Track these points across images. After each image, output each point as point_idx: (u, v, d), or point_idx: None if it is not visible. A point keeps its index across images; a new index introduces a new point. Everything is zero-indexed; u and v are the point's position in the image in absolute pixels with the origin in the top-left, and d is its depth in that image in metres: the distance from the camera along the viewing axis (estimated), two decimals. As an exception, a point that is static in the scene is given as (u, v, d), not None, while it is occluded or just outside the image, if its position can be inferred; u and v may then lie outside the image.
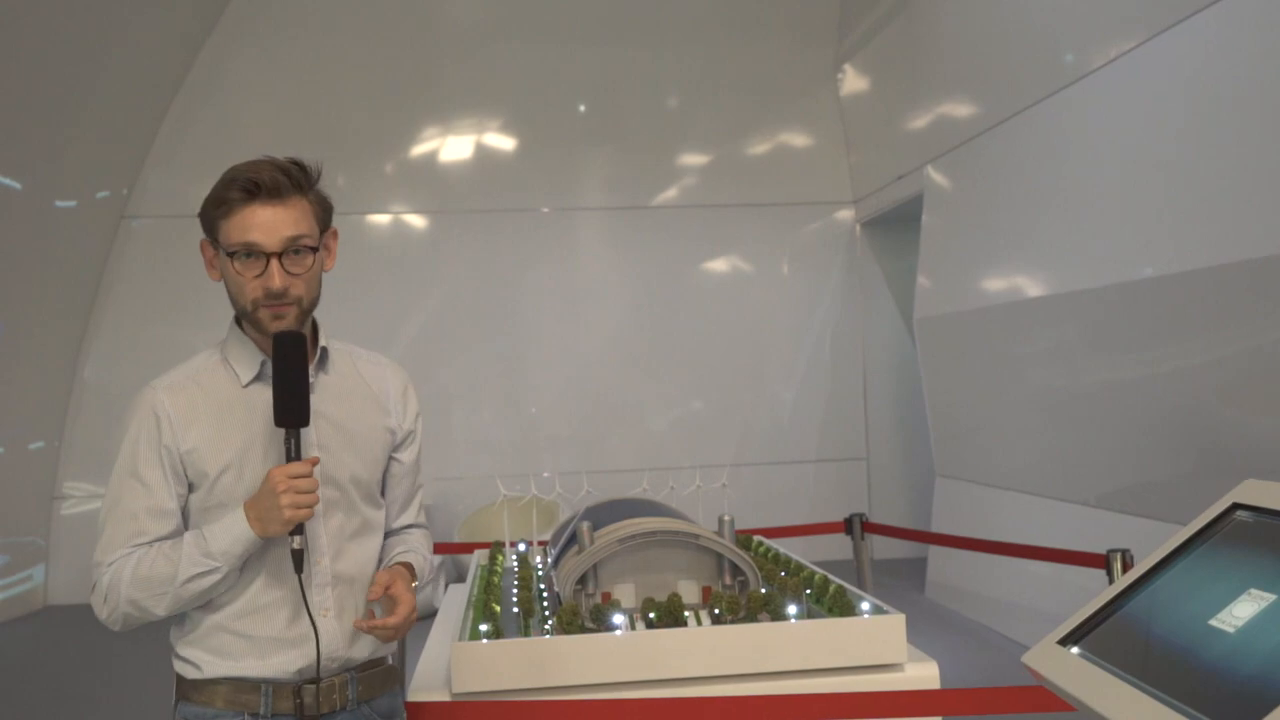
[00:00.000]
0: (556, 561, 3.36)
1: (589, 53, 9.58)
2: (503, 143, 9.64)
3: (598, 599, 3.01)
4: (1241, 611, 1.42)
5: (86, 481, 8.98)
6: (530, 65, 9.53)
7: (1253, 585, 1.45)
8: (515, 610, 3.12)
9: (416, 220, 9.43)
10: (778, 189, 9.71)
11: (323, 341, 2.17)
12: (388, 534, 2.28)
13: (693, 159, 9.80)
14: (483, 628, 2.85)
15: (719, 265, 9.78)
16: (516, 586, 3.38)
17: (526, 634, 2.93)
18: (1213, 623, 1.44)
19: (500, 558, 4.06)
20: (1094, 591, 1.73)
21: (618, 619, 2.87)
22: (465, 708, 2.62)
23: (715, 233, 9.65)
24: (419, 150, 9.45)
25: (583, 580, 3.01)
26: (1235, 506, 1.66)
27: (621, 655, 2.77)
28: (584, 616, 2.93)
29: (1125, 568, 3.64)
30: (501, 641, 2.78)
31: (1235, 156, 4.67)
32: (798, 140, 9.87)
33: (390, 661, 2.26)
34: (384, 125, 9.36)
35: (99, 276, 9.06)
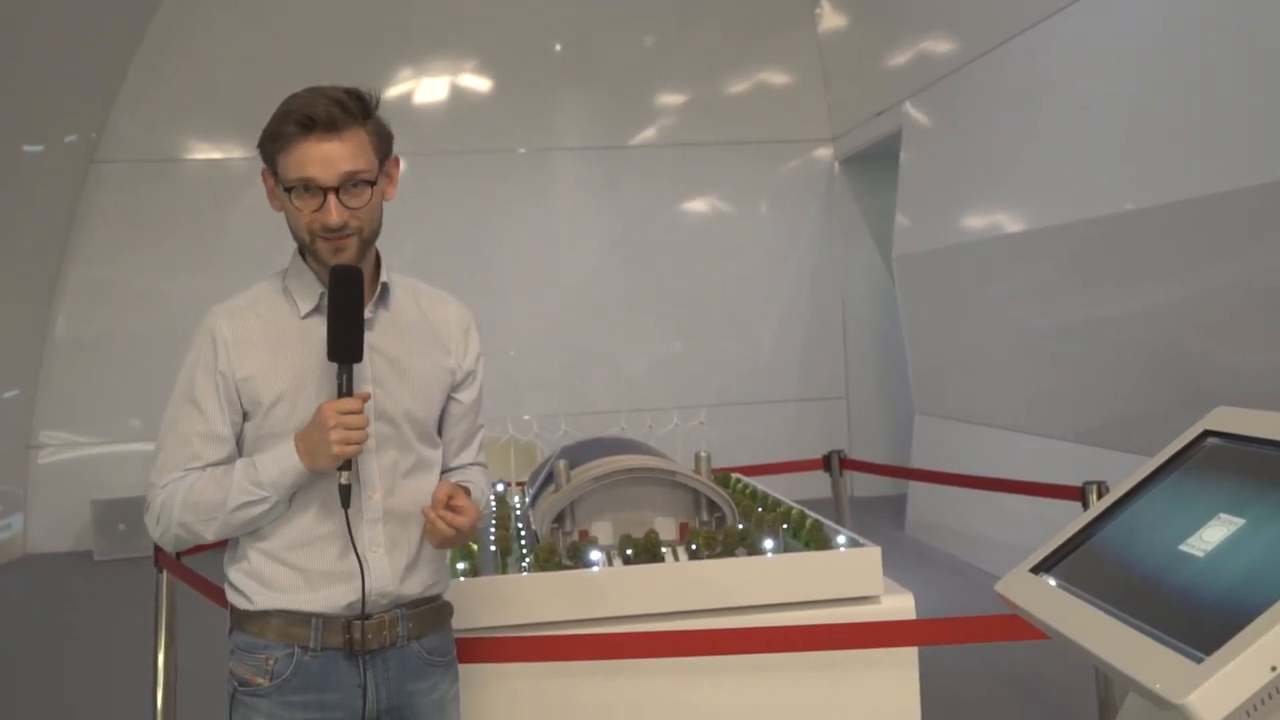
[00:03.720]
0: (534, 500, 3.37)
1: (564, -10, 9.47)
2: (477, 83, 9.53)
3: (575, 536, 3.03)
4: (1211, 536, 1.43)
5: (63, 430, 8.93)
6: (505, 3, 9.40)
7: (1222, 510, 1.46)
8: (493, 549, 3.12)
9: (391, 162, 9.33)
10: (756, 127, 9.65)
11: (384, 276, 2.14)
12: (445, 471, 2.26)
13: (670, 98, 9.72)
14: (460, 566, 2.86)
15: (697, 205, 9.73)
16: (494, 526, 3.39)
17: (504, 572, 2.94)
18: (1183, 548, 1.45)
19: (478, 498, 4.04)
20: (1070, 524, 1.74)
21: (595, 556, 2.89)
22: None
23: (693, 172, 9.60)
24: (392, 92, 9.33)
25: (560, 518, 3.02)
26: (1206, 434, 1.67)
27: (599, 591, 2.79)
28: (561, 554, 2.94)
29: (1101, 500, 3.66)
30: (478, 579, 2.79)
31: (1213, 89, 4.65)
32: (776, 78, 9.79)
33: (444, 598, 2.25)
34: (356, 66, 9.21)
35: (70, 222, 8.95)
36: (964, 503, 6.84)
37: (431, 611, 2.19)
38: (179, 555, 3.71)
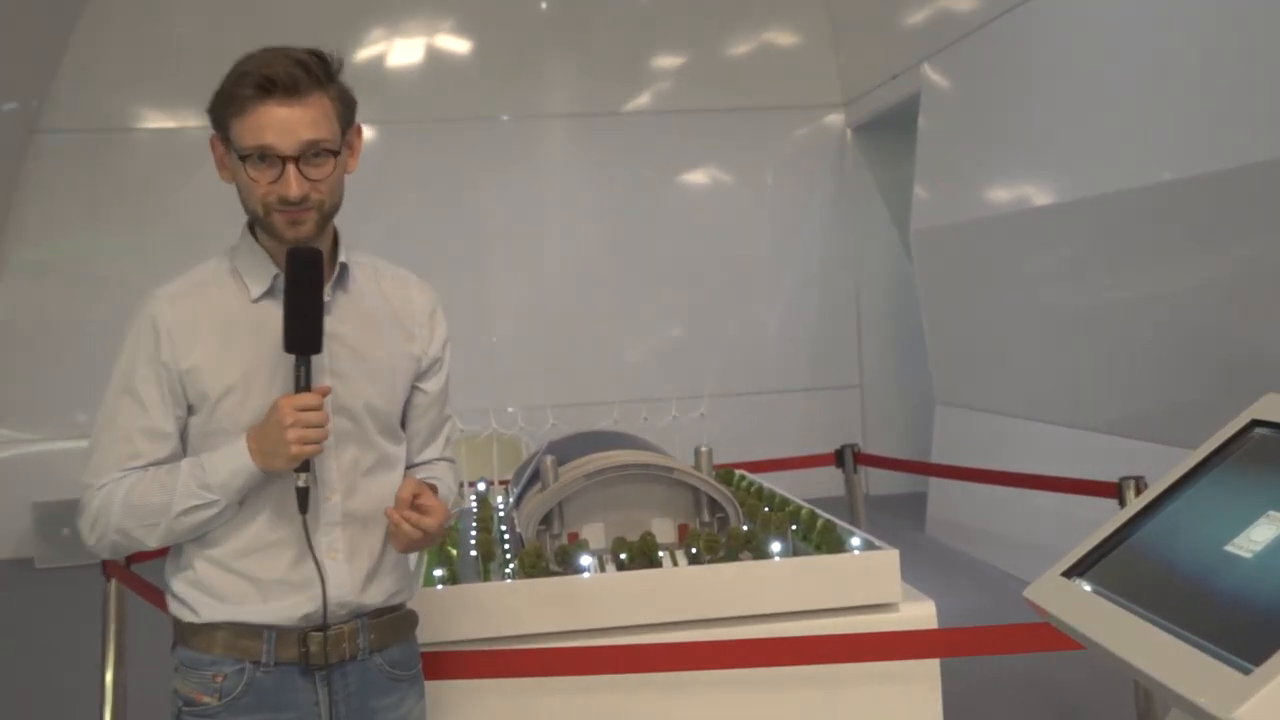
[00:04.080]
0: (518, 500, 3.37)
1: (549, -59, 9.45)
2: (456, 45, 9.51)
3: (563, 540, 3.02)
4: (1260, 535, 1.42)
5: (0, 425, 8.91)
6: (484, -44, 9.39)
7: (1272, 507, 1.45)
8: (473, 554, 3.13)
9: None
10: (760, 92, 9.63)
11: (342, 256, 2.13)
12: (409, 468, 2.25)
13: (667, 61, 9.70)
14: (437, 573, 2.85)
15: (697, 177, 9.72)
16: (475, 529, 3.39)
17: (486, 579, 2.94)
18: (1229, 548, 1.44)
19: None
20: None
21: (585, 561, 2.88)
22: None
23: (692, 141, 9.58)
24: (363, 55, 9.30)
25: (547, 520, 3.02)
26: (1254, 424, 1.66)
27: (590, 600, 2.79)
28: (549, 559, 2.94)
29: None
30: (458, 588, 2.79)
31: (1266, 46, 4.63)
32: (782, 38, 9.77)
33: (408, 606, 2.25)
34: (322, 26, 9.18)
35: (9, 196, 8.91)
36: (989, 501, 6.85)
37: (395, 622, 2.19)
38: (128, 562, 3.70)
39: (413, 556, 2.33)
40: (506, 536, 3.33)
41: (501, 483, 4.28)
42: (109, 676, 3.77)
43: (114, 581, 3.82)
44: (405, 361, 2.19)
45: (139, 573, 3.67)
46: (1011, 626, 2.69)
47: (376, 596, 2.13)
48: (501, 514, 3.74)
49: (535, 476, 3.25)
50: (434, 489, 2.13)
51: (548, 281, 9.43)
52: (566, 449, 3.38)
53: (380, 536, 2.12)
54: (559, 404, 4.92)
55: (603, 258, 9.51)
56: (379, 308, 2.18)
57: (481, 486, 4.22)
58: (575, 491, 3.03)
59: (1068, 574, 1.64)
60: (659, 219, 9.54)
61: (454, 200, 9.33)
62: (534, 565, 2.87)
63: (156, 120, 9.06)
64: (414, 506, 2.03)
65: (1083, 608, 1.56)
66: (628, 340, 9.56)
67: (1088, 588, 1.59)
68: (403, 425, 2.23)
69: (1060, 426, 6.41)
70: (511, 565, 2.99)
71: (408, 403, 2.22)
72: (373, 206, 9.10)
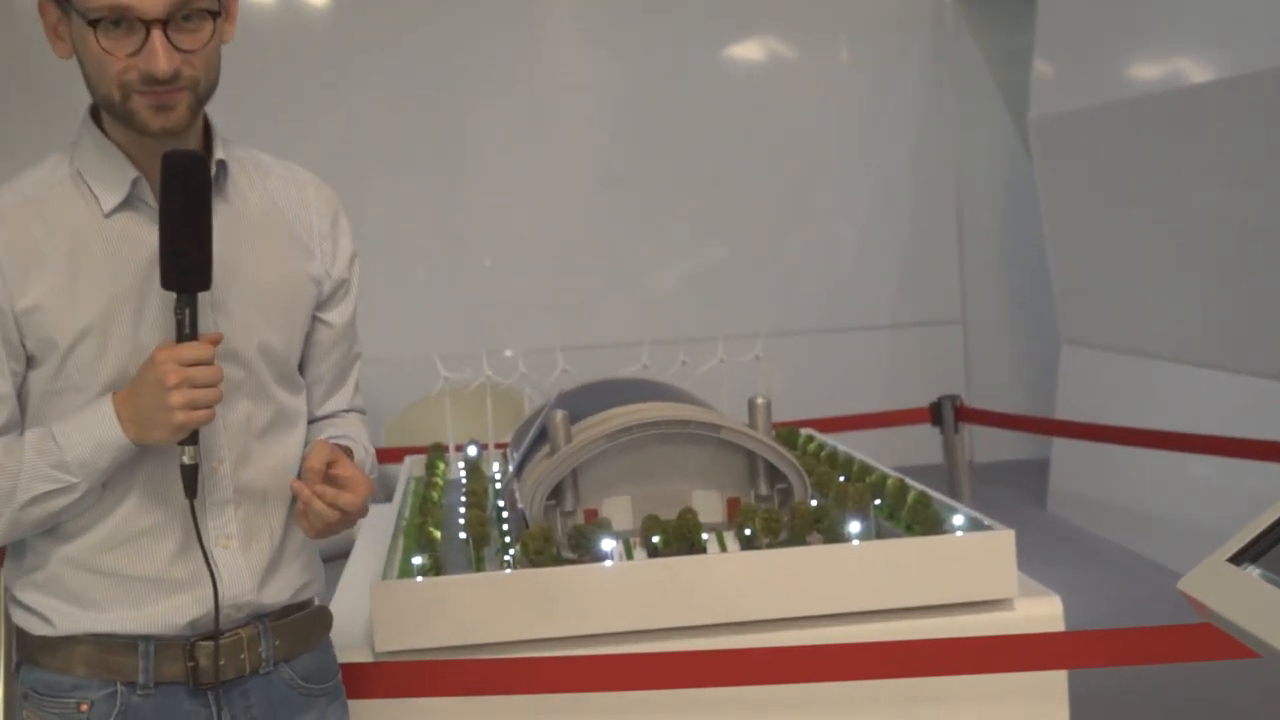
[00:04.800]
0: (520, 468, 3.38)
1: None
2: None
3: (579, 518, 3.03)
4: None
5: None
6: None
7: None
8: (462, 537, 3.14)
9: (314, -4, 9.31)
10: (831, -62, 9.56)
11: (219, 153, 2.10)
12: (311, 423, 2.26)
13: (708, -103, 9.62)
14: (416, 561, 2.87)
15: (747, 52, 9.65)
16: (464, 504, 3.40)
17: (479, 568, 2.95)
18: None
19: (441, 466, 4.08)
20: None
21: (607, 545, 2.89)
22: (392, 671, 2.64)
23: (740, 5, 9.51)
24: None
25: (557, 493, 3.02)
26: None
27: (613, 596, 2.79)
28: (560, 543, 2.94)
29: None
30: (443, 580, 2.80)
31: None
32: None
33: (317, 602, 2.26)
34: None
35: None
36: (1130, 468, 6.84)
37: (303, 623, 2.20)
38: None
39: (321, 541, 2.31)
40: (505, 515, 3.35)
41: (498, 446, 4.29)
42: None
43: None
44: (305, 286, 2.18)
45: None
46: (1160, 628, 2.69)
47: (280, 593, 2.14)
48: (498, 486, 3.75)
49: (541, 437, 3.26)
50: (349, 452, 2.12)
51: (555, 189, 9.38)
52: (581, 402, 3.38)
53: (281, 516, 2.12)
54: (571, 345, 4.93)
55: (626, 160, 9.47)
56: (268, 217, 2.16)
57: (472, 451, 4.23)
58: (593, 456, 3.03)
59: (1235, 560, 1.63)
60: (699, 109, 9.47)
61: (434, 85, 9.28)
62: (541, 551, 2.88)
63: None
64: (328, 478, 2.00)
65: (1255, 602, 1.55)
66: (658, 265, 9.54)
67: (1262, 576, 1.57)
68: (301, 370, 2.23)
69: (1223, 372, 6.38)
70: (512, 552, 3.00)
71: (307, 339, 2.22)
72: (331, 91, 9.10)
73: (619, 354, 4.78)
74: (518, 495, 3.20)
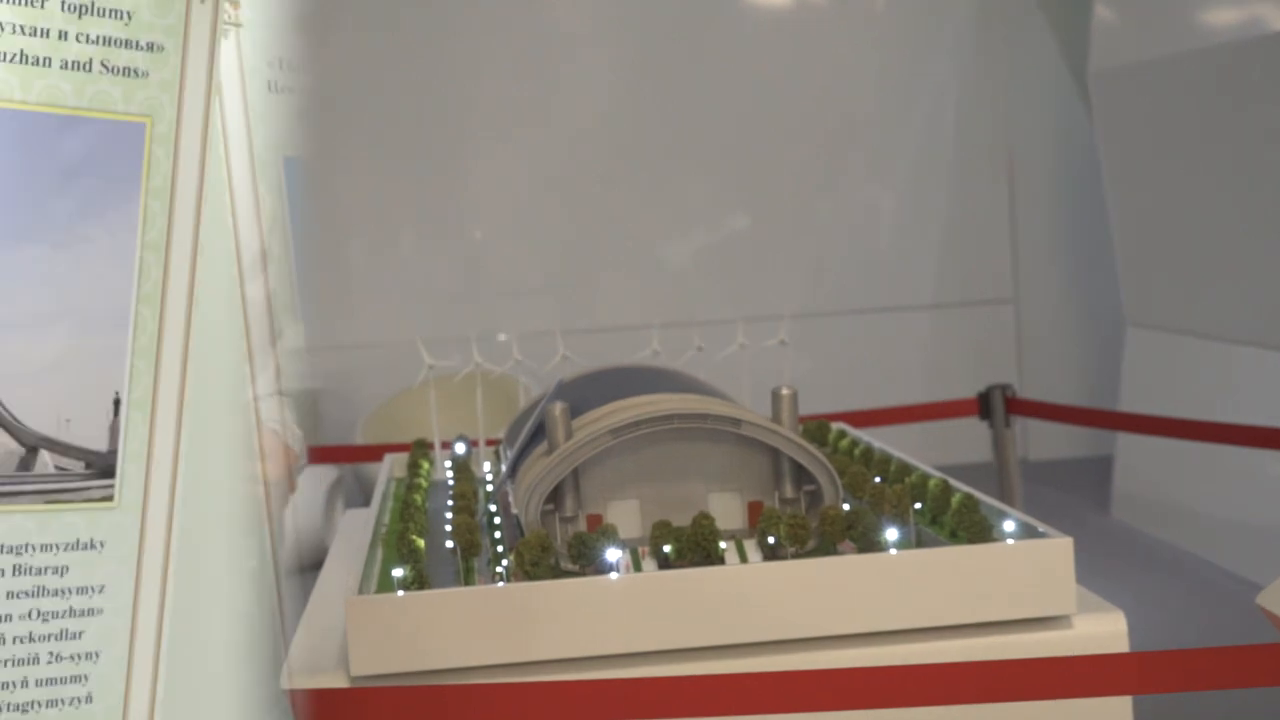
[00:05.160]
0: (514, 468, 3.38)
1: None
2: None
3: (580, 525, 3.04)
4: None
5: None
6: None
7: None
8: (449, 546, 3.14)
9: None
10: None
11: None
12: None
13: None
14: (397, 573, 2.86)
15: (773, -4, 9.67)
16: (451, 509, 3.40)
17: (468, 582, 2.96)
18: None
19: (425, 466, 4.08)
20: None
21: (613, 555, 2.88)
22: (369, 698, 2.65)
23: (766, -58, 9.53)
24: None
25: (556, 496, 3.03)
26: None
27: (619, 613, 2.79)
28: (559, 553, 2.96)
29: None
30: (427, 594, 2.79)
31: None
32: None
33: None
34: None
35: None
36: (1204, 466, 6.84)
37: None
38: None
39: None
40: (497, 520, 3.34)
41: (489, 443, 4.31)
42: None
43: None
44: None
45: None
46: (1237, 648, 2.68)
47: None
48: (490, 488, 3.76)
49: (538, 433, 3.27)
50: None
51: (555, 154, 9.38)
52: (583, 393, 3.39)
53: None
54: (572, 329, 4.92)
55: (635, 117, 9.47)
56: None
57: (460, 449, 4.22)
58: (597, 455, 3.04)
59: (1322, 570, 1.64)
60: (716, 62, 9.47)
61: (419, 38, 9.28)
62: (537, 562, 2.88)
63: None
64: None
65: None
66: (671, 238, 9.53)
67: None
68: None
69: (1310, 359, 6.39)
70: (505, 563, 2.99)
71: None
72: (293, 51, 9.09)
73: (626, 338, 4.77)
74: (511, 499, 3.21)
